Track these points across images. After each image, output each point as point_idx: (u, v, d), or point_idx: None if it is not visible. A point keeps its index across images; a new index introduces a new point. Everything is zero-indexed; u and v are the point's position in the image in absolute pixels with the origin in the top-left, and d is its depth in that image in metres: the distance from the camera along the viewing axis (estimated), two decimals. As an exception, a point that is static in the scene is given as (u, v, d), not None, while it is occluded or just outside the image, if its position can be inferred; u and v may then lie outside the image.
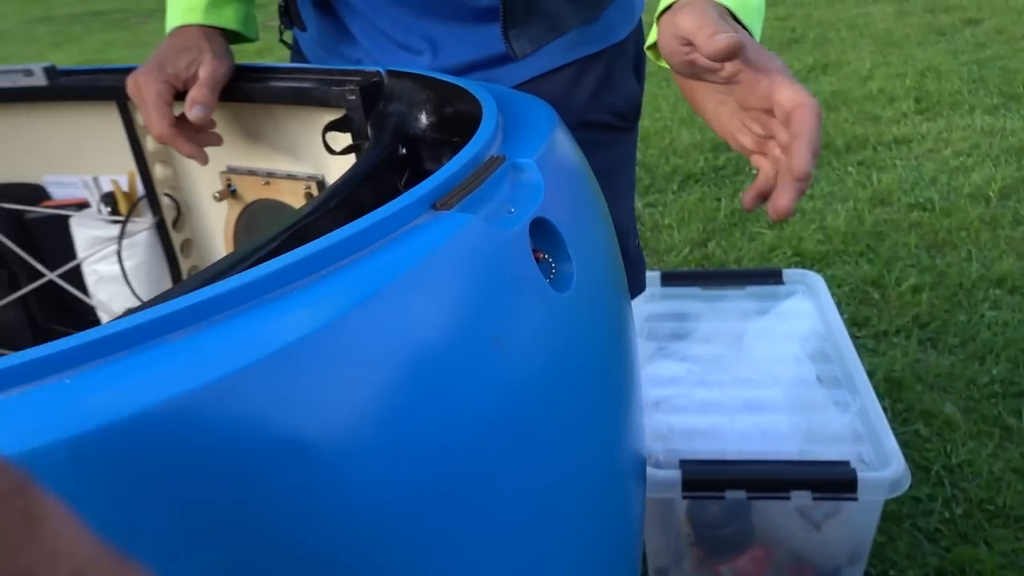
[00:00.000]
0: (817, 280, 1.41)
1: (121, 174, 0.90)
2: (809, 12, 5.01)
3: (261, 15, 0.83)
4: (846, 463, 1.03)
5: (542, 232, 0.42)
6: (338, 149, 0.69)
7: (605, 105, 0.79)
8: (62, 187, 0.95)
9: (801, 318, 1.32)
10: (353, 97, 0.66)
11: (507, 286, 0.35)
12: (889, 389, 1.55)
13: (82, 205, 0.92)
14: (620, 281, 0.51)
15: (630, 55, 0.82)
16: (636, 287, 0.82)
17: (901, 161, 2.63)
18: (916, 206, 2.31)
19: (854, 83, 3.46)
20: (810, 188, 2.50)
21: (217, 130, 0.77)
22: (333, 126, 0.68)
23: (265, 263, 0.30)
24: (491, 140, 0.43)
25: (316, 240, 0.32)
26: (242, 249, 0.36)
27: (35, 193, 0.95)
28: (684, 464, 1.03)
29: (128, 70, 0.85)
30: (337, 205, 0.47)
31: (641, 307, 1.39)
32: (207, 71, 0.70)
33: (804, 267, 2.06)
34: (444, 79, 0.62)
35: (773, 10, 5.09)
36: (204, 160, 0.73)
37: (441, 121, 0.63)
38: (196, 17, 0.73)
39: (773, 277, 1.44)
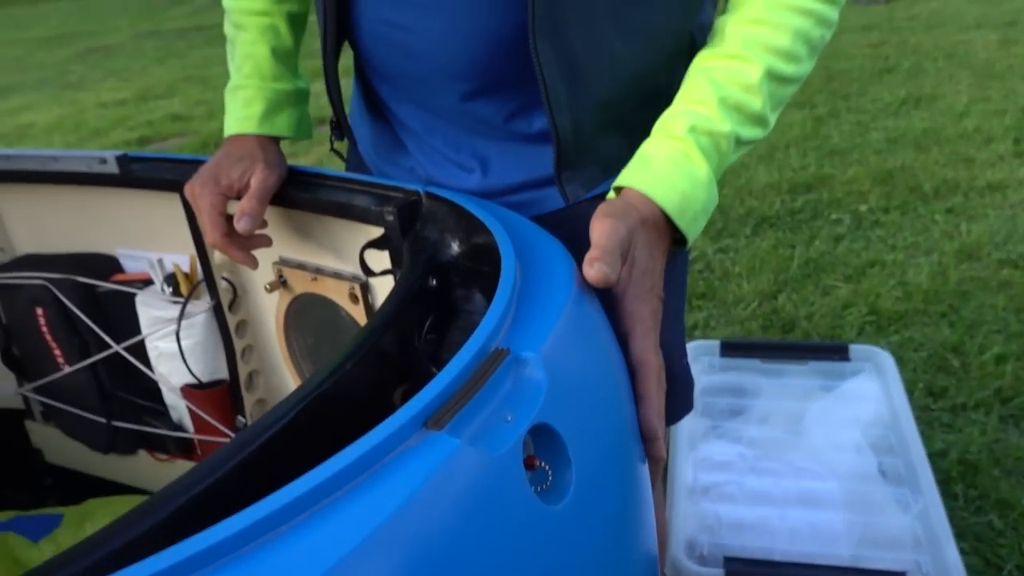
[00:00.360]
0: (886, 359, 1.35)
1: (183, 255, 0.94)
2: (905, 38, 4.81)
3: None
4: (902, 574, 0.98)
5: (541, 434, 0.41)
6: (376, 270, 0.70)
7: None
8: (133, 260, 1.00)
9: (866, 401, 1.27)
10: (391, 218, 0.68)
11: (489, 517, 0.35)
12: (963, 473, 1.47)
13: (147, 281, 0.97)
14: (630, 461, 0.50)
15: None
16: (683, 407, 0.80)
17: (994, 210, 2.49)
18: (1008, 263, 2.18)
19: (948, 120, 3.30)
20: (892, 238, 2.40)
21: (271, 223, 0.80)
22: (372, 244, 0.70)
23: (229, 520, 0.30)
24: (496, 331, 0.43)
25: (291, 485, 0.32)
26: (220, 455, 0.37)
27: (109, 264, 1.01)
28: (728, 562, 1.00)
29: (192, 162, 0.89)
30: (354, 367, 0.48)
31: (699, 379, 1.36)
32: (258, 181, 0.72)
33: (880, 327, 1.97)
34: (475, 212, 0.62)
35: (867, 36, 4.92)
36: (254, 265, 0.76)
37: (471, 250, 0.63)
38: (251, 127, 0.76)
39: (839, 352, 1.38)
